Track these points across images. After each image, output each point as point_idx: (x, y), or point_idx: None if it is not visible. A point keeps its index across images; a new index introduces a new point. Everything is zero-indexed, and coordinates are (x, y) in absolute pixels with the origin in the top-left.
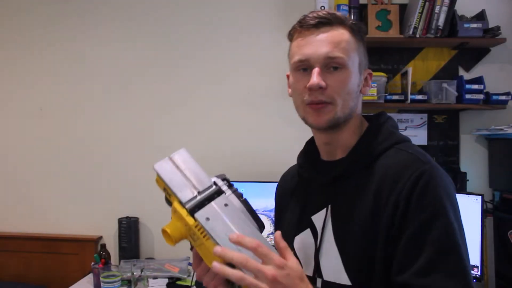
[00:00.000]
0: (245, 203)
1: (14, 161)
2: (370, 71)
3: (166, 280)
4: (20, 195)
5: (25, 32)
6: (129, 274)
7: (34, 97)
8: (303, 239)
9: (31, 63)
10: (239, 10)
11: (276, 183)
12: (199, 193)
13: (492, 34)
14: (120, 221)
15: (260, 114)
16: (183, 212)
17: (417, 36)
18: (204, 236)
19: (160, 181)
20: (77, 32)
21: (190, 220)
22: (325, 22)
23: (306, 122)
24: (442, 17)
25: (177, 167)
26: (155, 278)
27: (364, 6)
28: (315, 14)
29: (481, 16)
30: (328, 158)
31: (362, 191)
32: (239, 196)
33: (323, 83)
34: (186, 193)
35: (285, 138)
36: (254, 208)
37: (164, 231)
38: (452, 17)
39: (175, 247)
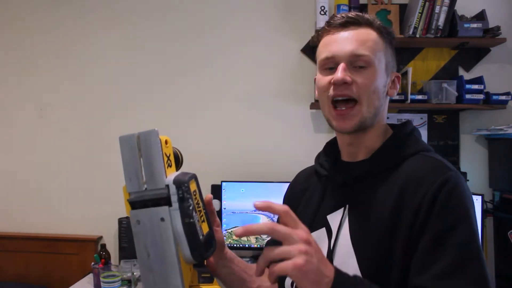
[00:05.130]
0: (187, 227)
1: (14, 161)
2: (398, 75)
3: None
4: (20, 195)
5: (25, 32)
6: (129, 274)
7: (34, 97)
8: (317, 238)
9: (31, 63)
10: (240, 10)
11: (277, 183)
12: (146, 189)
13: (492, 34)
14: (120, 221)
15: (261, 114)
16: (126, 197)
17: (417, 36)
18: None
19: None
20: (77, 32)
21: (127, 210)
22: (353, 22)
23: (330, 125)
24: (442, 17)
25: (139, 150)
26: None
27: (364, 6)
28: (343, 14)
29: (481, 16)
30: (349, 159)
31: (383, 193)
32: (186, 216)
33: (348, 78)
34: (134, 184)
35: (286, 138)
36: (255, 208)
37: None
38: (452, 17)
39: None
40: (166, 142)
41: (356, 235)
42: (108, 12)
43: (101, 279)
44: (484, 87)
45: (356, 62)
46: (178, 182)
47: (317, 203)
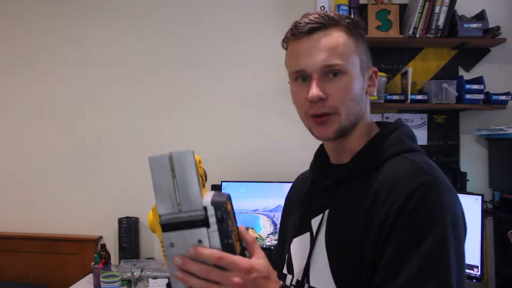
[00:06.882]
0: (227, 248)
1: (14, 161)
2: (375, 69)
3: (166, 280)
4: (20, 195)
5: (25, 32)
6: (129, 274)
7: (34, 97)
8: (301, 241)
9: (31, 63)
10: (240, 10)
11: (277, 183)
12: (180, 211)
13: (492, 34)
14: (120, 221)
15: (261, 114)
16: (156, 220)
17: (417, 36)
18: (163, 253)
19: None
20: (77, 32)
21: (158, 233)
22: (318, 27)
23: (312, 134)
24: (442, 17)
25: (172, 170)
26: (155, 278)
27: (364, 6)
28: (306, 20)
29: (481, 16)
30: (336, 162)
31: (359, 198)
32: (225, 237)
33: (322, 95)
34: (166, 206)
35: (286, 138)
36: (254, 208)
37: (149, 215)
38: (452, 17)
39: None
40: (199, 161)
41: (331, 240)
42: (109, 12)
43: (101, 279)
44: (484, 87)
45: (329, 71)
46: (216, 204)
47: (305, 207)
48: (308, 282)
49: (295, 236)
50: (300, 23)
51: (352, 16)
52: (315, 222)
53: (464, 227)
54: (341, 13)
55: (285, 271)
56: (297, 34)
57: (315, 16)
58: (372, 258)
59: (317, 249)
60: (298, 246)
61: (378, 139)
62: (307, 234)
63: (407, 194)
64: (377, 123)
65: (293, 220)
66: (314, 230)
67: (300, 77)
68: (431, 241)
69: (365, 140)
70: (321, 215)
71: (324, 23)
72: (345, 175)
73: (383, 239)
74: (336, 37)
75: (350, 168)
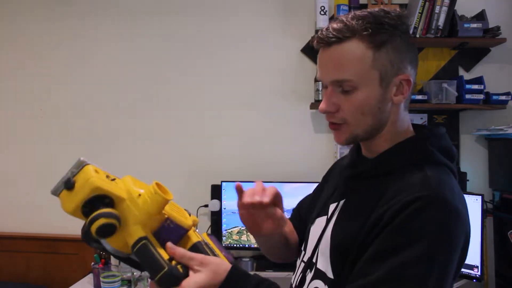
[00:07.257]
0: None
1: (14, 161)
2: (407, 76)
3: None
4: (20, 195)
5: (26, 32)
6: (129, 274)
7: (34, 97)
8: (319, 223)
9: (31, 63)
10: (240, 11)
11: (277, 183)
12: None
13: (492, 34)
14: None
15: (261, 114)
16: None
17: (417, 36)
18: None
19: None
20: (77, 32)
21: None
22: (334, 40)
23: None
24: (442, 17)
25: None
26: None
27: (364, 6)
28: (325, 31)
29: (481, 16)
30: (366, 155)
31: (368, 198)
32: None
33: (329, 109)
34: None
35: (286, 138)
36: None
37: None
38: (452, 17)
39: None
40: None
41: (336, 230)
42: (109, 12)
43: (101, 279)
44: (484, 87)
45: (341, 86)
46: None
47: (332, 191)
48: (316, 262)
49: (317, 217)
50: (322, 33)
51: (387, 14)
52: (331, 208)
53: (462, 254)
54: (368, 15)
55: (302, 247)
56: (319, 43)
57: (334, 27)
58: (356, 255)
59: (326, 234)
60: (316, 227)
61: (402, 145)
62: (325, 218)
63: (404, 203)
64: (416, 128)
65: (321, 200)
66: (329, 216)
67: (324, 85)
68: (411, 255)
69: (391, 143)
70: (336, 203)
71: (341, 37)
72: (366, 170)
73: (370, 239)
74: (352, 51)
75: (372, 163)
